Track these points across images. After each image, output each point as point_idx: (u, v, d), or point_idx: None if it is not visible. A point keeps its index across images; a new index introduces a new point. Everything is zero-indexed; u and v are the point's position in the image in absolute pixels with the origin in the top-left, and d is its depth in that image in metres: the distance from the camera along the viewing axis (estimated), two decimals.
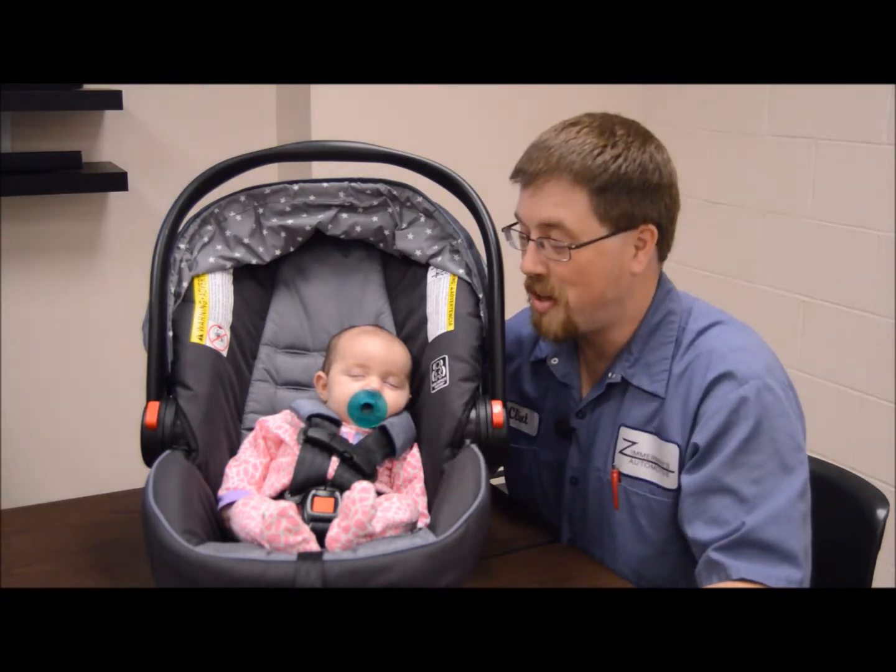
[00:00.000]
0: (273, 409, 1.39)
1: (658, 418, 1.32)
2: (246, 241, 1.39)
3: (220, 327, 1.33)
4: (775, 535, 1.19)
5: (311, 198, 1.39)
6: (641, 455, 1.34)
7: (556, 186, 1.27)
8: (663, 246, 1.34)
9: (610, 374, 1.37)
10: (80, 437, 2.51)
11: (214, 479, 1.24)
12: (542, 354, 1.48)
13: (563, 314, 1.31)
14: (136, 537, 1.09)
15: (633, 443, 1.35)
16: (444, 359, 1.29)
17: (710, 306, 1.39)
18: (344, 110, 2.47)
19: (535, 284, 1.32)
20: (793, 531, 1.20)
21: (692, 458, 1.27)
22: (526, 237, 1.32)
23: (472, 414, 1.24)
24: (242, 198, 1.38)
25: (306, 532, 1.03)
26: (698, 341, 1.32)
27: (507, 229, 1.35)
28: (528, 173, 1.29)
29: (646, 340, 1.35)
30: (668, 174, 1.31)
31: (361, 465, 1.21)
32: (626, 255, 1.30)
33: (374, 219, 1.41)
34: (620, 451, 1.36)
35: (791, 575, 1.19)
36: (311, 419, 1.27)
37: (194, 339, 1.29)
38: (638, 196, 1.28)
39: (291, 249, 1.44)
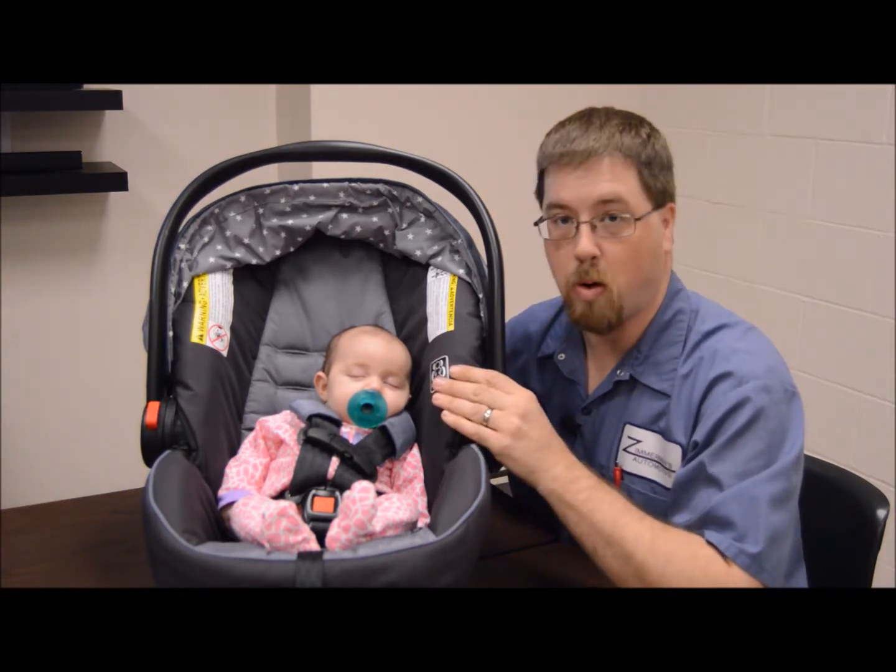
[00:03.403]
0: (273, 409, 1.39)
1: (664, 419, 1.32)
2: (246, 241, 1.39)
3: (220, 327, 1.33)
4: (729, 511, 1.18)
5: (311, 198, 1.39)
6: (646, 454, 1.34)
7: (612, 163, 1.28)
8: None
9: (618, 372, 1.38)
10: (80, 437, 2.51)
11: (214, 479, 1.24)
12: (549, 350, 1.49)
13: (617, 299, 1.31)
14: (137, 537, 1.09)
15: (638, 441, 1.35)
16: (444, 359, 1.29)
17: (719, 307, 1.39)
18: (344, 110, 2.48)
19: (590, 270, 1.30)
20: (754, 509, 1.18)
21: (690, 453, 1.27)
22: (574, 221, 1.30)
23: None
24: (242, 198, 1.38)
25: (306, 532, 1.03)
26: (704, 344, 1.32)
27: (540, 222, 1.35)
28: (579, 152, 1.29)
29: (655, 339, 1.36)
30: (671, 157, 1.37)
31: (361, 465, 1.21)
32: (661, 231, 1.34)
33: (374, 219, 1.41)
34: (624, 449, 1.36)
35: (747, 548, 1.17)
36: (312, 419, 1.27)
37: (194, 339, 1.29)
38: (666, 173, 1.34)
39: (291, 249, 1.44)
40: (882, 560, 1.45)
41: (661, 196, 1.32)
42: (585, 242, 1.29)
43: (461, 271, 1.36)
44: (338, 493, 1.17)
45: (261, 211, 1.39)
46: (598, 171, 1.28)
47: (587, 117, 1.32)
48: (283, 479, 1.22)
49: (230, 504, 1.19)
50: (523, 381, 1.51)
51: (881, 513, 1.42)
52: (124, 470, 1.50)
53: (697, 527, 1.20)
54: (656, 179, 1.31)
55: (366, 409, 1.26)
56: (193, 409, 1.23)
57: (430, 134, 2.48)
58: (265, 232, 1.40)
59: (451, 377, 1.24)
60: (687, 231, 1.39)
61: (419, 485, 1.26)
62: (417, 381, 1.36)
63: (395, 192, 1.39)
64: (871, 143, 2.22)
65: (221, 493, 1.23)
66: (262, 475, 1.27)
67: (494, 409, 1.20)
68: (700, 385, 1.28)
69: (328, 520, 1.10)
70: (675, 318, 1.36)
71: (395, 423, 1.28)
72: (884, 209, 2.20)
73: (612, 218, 1.29)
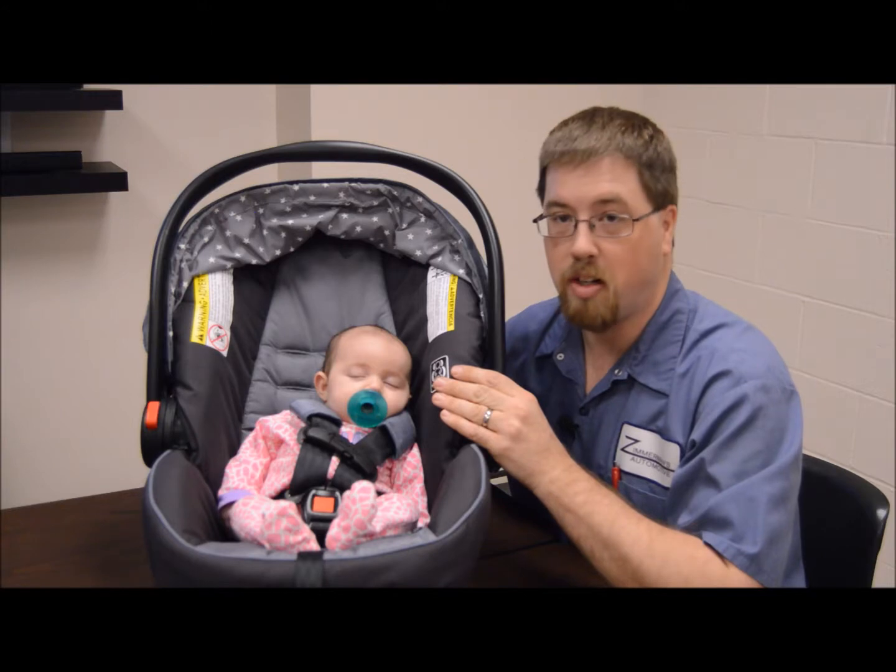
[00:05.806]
0: (273, 409, 1.39)
1: (662, 418, 1.32)
2: (246, 241, 1.39)
3: (220, 327, 1.33)
4: (727, 511, 1.18)
5: (312, 198, 1.40)
6: (644, 453, 1.34)
7: (612, 163, 1.29)
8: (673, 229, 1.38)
9: (616, 372, 1.38)
10: (80, 437, 2.51)
11: (214, 479, 1.24)
12: (547, 350, 1.49)
13: (613, 297, 1.31)
14: (137, 537, 1.09)
15: (636, 441, 1.35)
16: (444, 359, 1.29)
17: (717, 307, 1.39)
18: (344, 110, 2.48)
19: (586, 268, 1.30)
20: (752, 510, 1.18)
21: (688, 452, 1.27)
22: (572, 220, 1.30)
23: None
24: (243, 198, 1.38)
25: (306, 532, 1.03)
26: (702, 343, 1.32)
27: (539, 219, 1.35)
28: (580, 152, 1.29)
29: (653, 338, 1.36)
30: (675, 159, 1.37)
31: (361, 464, 1.21)
32: (660, 233, 1.34)
33: (375, 219, 1.41)
34: (622, 449, 1.36)
35: (745, 548, 1.17)
36: (312, 419, 1.27)
37: (194, 339, 1.29)
38: (668, 175, 1.33)
39: (291, 249, 1.44)
40: (882, 560, 1.45)
41: (661, 198, 1.32)
42: (583, 241, 1.29)
43: (461, 271, 1.36)
44: (338, 493, 1.17)
45: (261, 211, 1.39)
46: (598, 171, 1.29)
47: (590, 116, 1.32)
48: (283, 478, 1.22)
49: (230, 504, 1.19)
50: (521, 381, 1.51)
51: (881, 513, 1.42)
52: (124, 470, 1.50)
53: (696, 528, 1.20)
54: (657, 181, 1.31)
55: (366, 409, 1.26)
56: (193, 409, 1.23)
57: (430, 134, 2.48)
58: (265, 232, 1.40)
59: (452, 377, 1.24)
60: (687, 231, 1.39)
61: (419, 485, 1.26)
62: (417, 381, 1.36)
63: (395, 192, 1.39)
64: (871, 143, 2.22)
65: (221, 493, 1.23)
66: (262, 475, 1.27)
67: (495, 410, 1.20)
68: (698, 384, 1.28)
69: (328, 520, 1.10)
70: (673, 318, 1.36)
71: (395, 423, 1.28)
72: (884, 209, 2.20)
73: (611, 218, 1.29)
